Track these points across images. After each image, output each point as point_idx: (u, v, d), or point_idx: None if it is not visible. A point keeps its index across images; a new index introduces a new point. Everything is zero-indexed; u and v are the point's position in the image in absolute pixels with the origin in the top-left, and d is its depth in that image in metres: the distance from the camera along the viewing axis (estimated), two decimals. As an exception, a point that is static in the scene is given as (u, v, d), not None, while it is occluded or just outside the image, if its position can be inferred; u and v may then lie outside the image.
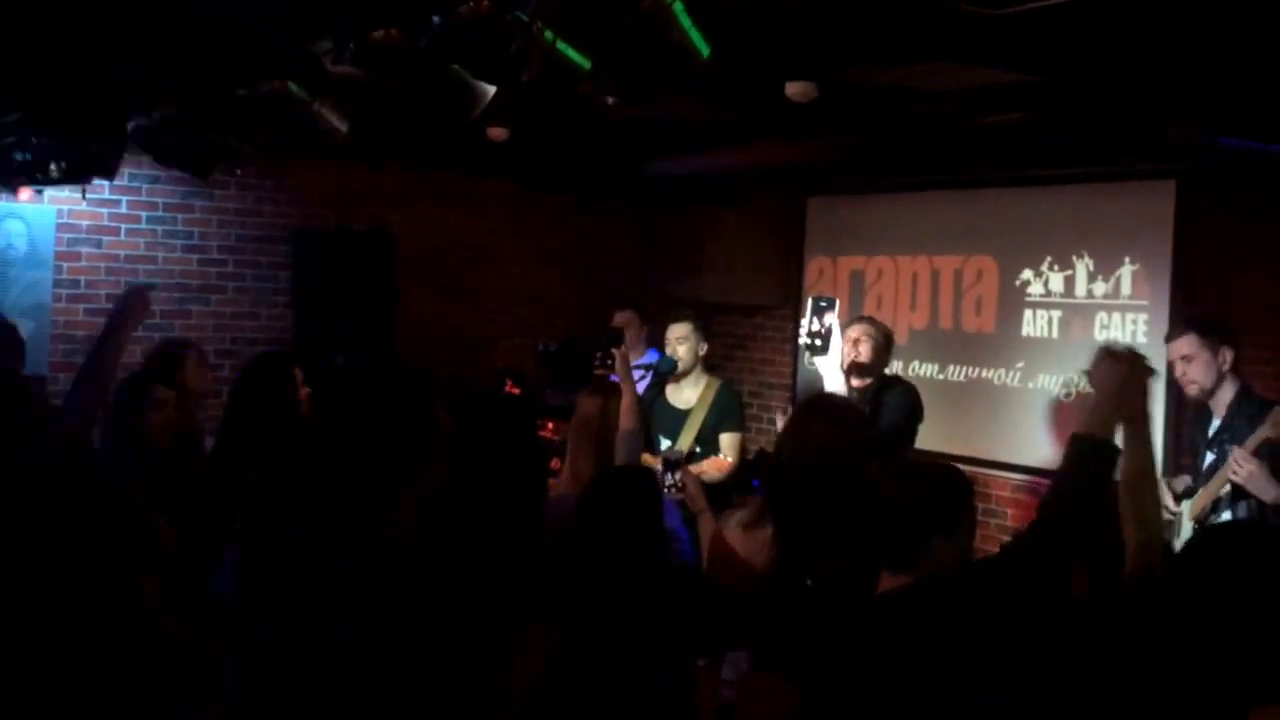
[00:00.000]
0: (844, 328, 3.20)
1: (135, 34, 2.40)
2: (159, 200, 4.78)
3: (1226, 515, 2.68)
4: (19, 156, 3.61)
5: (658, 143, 4.57)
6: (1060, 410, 4.29)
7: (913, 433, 3.30)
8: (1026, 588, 1.64)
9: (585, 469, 2.65)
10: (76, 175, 3.72)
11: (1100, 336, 4.17)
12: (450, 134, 4.06)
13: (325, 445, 2.12)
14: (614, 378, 3.06)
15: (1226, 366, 2.75)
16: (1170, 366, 2.93)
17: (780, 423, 3.09)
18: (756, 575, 2.06)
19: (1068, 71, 2.91)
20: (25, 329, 3.51)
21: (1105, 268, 4.15)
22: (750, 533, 2.11)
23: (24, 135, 3.41)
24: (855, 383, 3.15)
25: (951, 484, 1.75)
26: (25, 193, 4.35)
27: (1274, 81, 2.77)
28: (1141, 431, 1.73)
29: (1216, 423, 2.80)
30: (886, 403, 3.21)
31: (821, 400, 2.37)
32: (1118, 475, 1.73)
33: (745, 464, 3.72)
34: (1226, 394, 2.76)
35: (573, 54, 2.07)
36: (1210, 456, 2.82)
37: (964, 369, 4.62)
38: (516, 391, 3.75)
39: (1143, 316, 4.05)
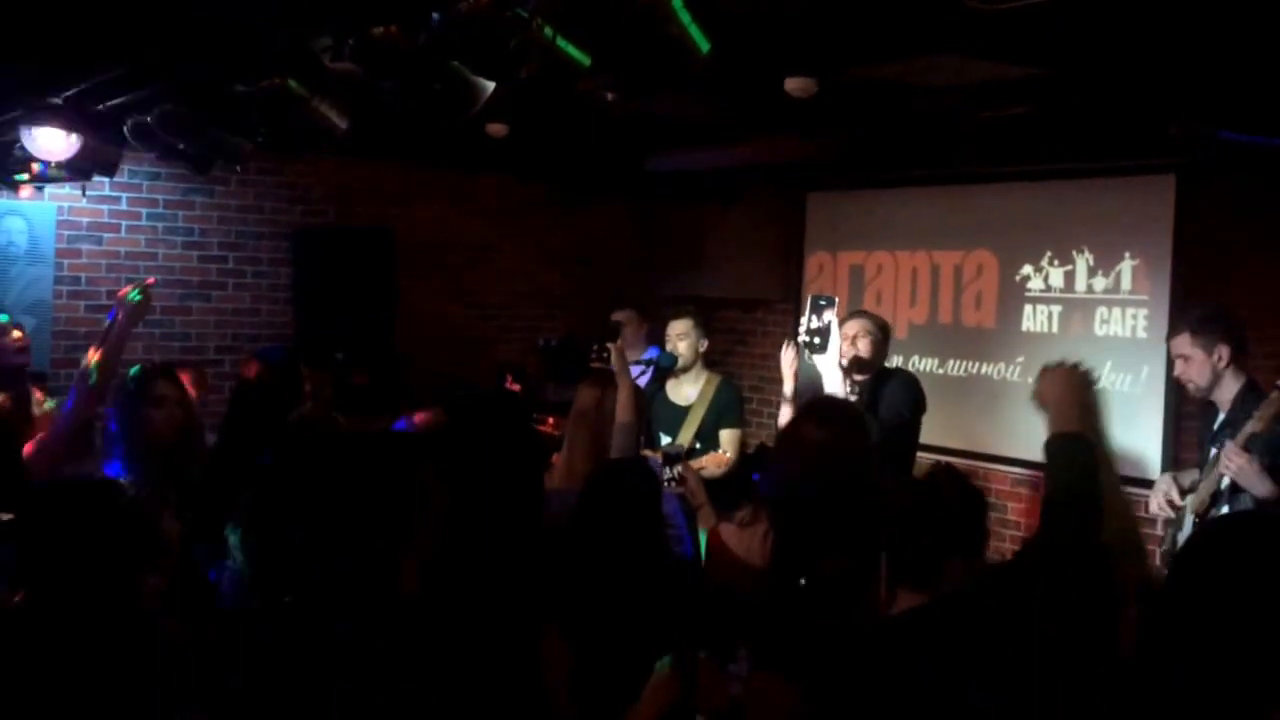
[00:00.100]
0: (840, 323, 3.20)
1: (135, 31, 2.40)
2: (159, 197, 4.78)
3: (1225, 509, 2.68)
4: (19, 152, 3.62)
5: (658, 139, 4.57)
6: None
7: (916, 424, 3.29)
8: (1038, 597, 1.63)
9: (580, 461, 2.66)
10: (77, 172, 3.73)
11: (1100, 331, 4.18)
12: (450, 131, 4.06)
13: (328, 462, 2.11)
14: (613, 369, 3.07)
15: (1223, 364, 2.74)
16: (1173, 364, 2.93)
17: (781, 418, 3.10)
18: (753, 573, 2.07)
19: (1067, 66, 2.91)
20: (27, 326, 3.51)
21: (1105, 263, 4.15)
22: (746, 530, 2.12)
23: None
24: (856, 377, 3.15)
25: (970, 502, 1.74)
26: (26, 189, 4.36)
27: (1274, 76, 2.76)
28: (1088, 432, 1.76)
29: (1222, 417, 2.80)
30: (885, 395, 3.21)
31: (821, 403, 2.37)
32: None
33: (745, 458, 3.73)
34: (1230, 389, 2.75)
35: (572, 50, 2.07)
36: (1214, 451, 2.82)
37: (964, 364, 4.62)
38: (517, 388, 3.75)
39: (1143, 311, 4.05)
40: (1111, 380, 4.13)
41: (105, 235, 4.69)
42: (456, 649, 1.70)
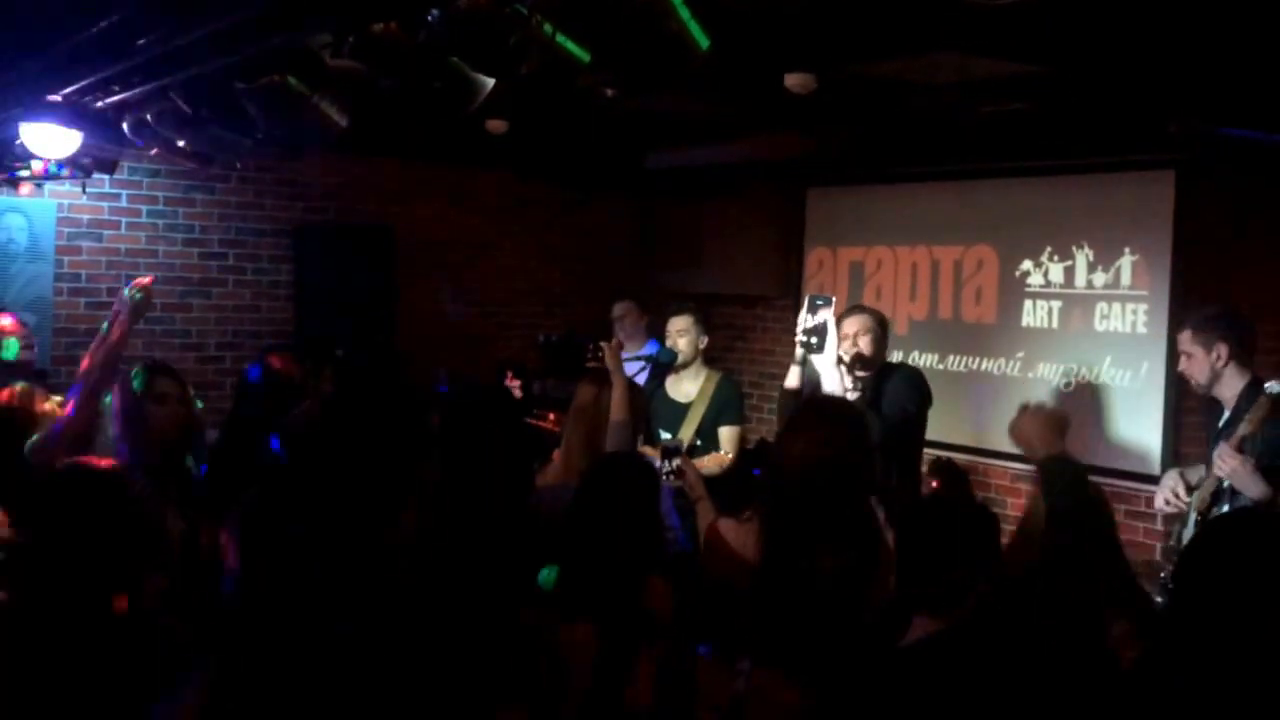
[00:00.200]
0: (839, 321, 3.20)
1: (134, 27, 2.39)
2: (159, 194, 4.78)
3: (1226, 508, 2.68)
4: (19, 149, 3.62)
5: (657, 135, 4.57)
6: (1060, 400, 4.30)
7: (921, 419, 3.28)
8: (1053, 623, 1.64)
9: (576, 457, 2.67)
10: (77, 169, 3.73)
11: (1100, 327, 4.18)
12: (450, 128, 4.06)
13: (328, 442, 2.12)
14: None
15: (1221, 363, 2.75)
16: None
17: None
18: (749, 569, 2.07)
19: (1067, 63, 2.91)
20: (28, 323, 3.51)
21: (1105, 258, 4.15)
22: (744, 525, 2.13)
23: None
24: (859, 374, 3.15)
25: (986, 528, 1.75)
26: (26, 187, 4.36)
27: (1273, 71, 2.76)
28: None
29: (1226, 415, 2.81)
30: (888, 390, 3.20)
31: (818, 402, 2.37)
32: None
33: (745, 454, 3.73)
34: (1234, 386, 2.75)
35: (572, 46, 2.07)
36: (1218, 446, 2.82)
37: (964, 359, 4.63)
38: (518, 383, 3.75)
39: (1142, 307, 4.06)
40: (1111, 376, 4.14)
41: (105, 232, 4.70)
42: (451, 644, 1.70)
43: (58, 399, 2.87)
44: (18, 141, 3.48)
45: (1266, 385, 2.57)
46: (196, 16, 2.27)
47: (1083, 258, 4.22)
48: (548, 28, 2.01)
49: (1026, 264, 4.41)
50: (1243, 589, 1.52)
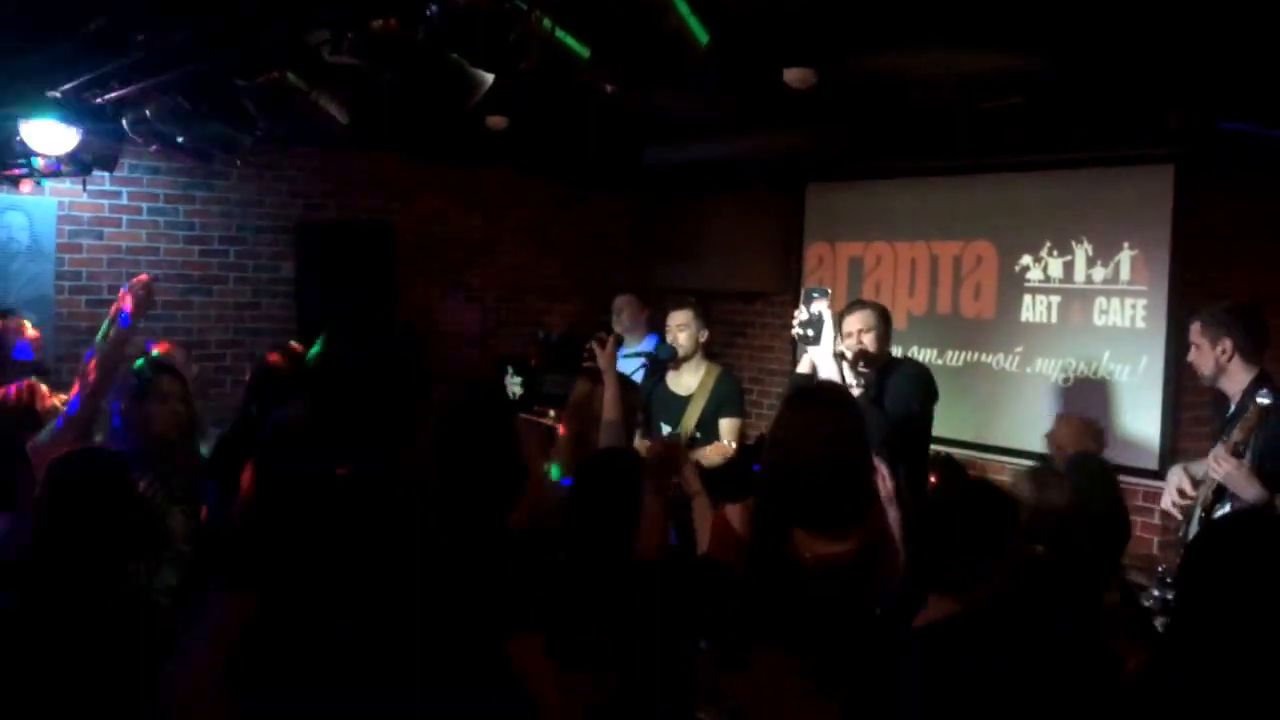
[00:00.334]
0: (840, 315, 3.19)
1: (133, 24, 2.40)
2: (160, 192, 4.78)
3: (1229, 506, 2.68)
4: (18, 147, 3.62)
5: (657, 131, 4.57)
6: (1059, 395, 4.31)
7: (927, 415, 3.26)
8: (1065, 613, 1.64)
9: (569, 454, 2.69)
10: (77, 166, 3.73)
11: (1099, 322, 4.18)
12: (450, 124, 4.06)
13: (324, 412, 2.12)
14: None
15: (1226, 357, 2.75)
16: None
17: None
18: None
19: (1066, 56, 2.91)
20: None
21: (1104, 253, 4.15)
22: (746, 509, 2.14)
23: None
24: (863, 370, 3.14)
25: (1000, 515, 1.74)
26: (26, 184, 4.36)
27: (1273, 66, 2.76)
28: None
29: (1231, 409, 2.82)
30: (890, 386, 3.19)
31: (809, 388, 2.38)
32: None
33: (745, 449, 3.74)
34: (1239, 381, 2.76)
35: (571, 42, 2.07)
36: (1222, 444, 2.82)
37: (963, 354, 4.63)
38: (518, 380, 3.76)
39: (1141, 302, 4.06)
40: (1110, 370, 4.14)
41: (106, 230, 4.70)
42: (448, 644, 1.70)
43: (61, 397, 2.87)
44: (18, 138, 3.48)
45: (1258, 396, 2.58)
46: (196, 13, 2.27)
47: (1082, 253, 4.22)
48: (547, 23, 2.01)
49: (1026, 259, 4.41)
50: (1244, 592, 1.53)
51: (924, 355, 4.69)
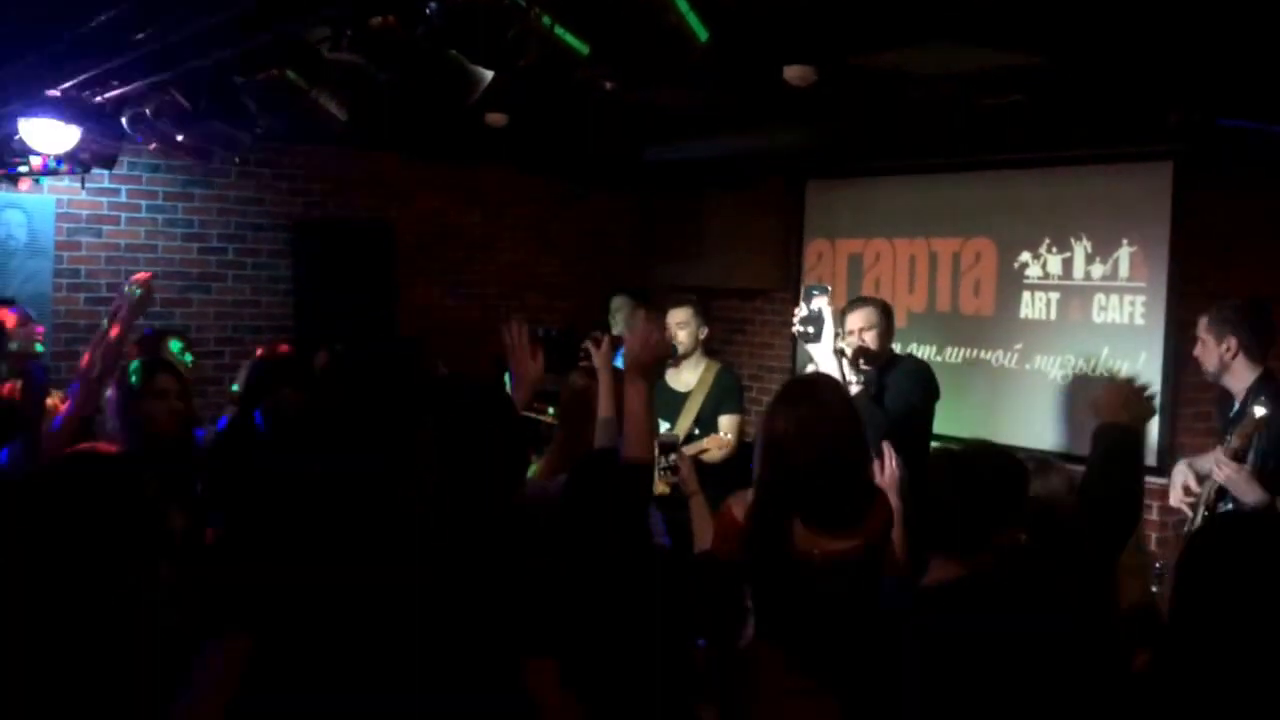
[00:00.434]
0: (842, 312, 3.19)
1: (132, 21, 2.39)
2: (159, 189, 4.78)
3: (1231, 505, 2.68)
4: (17, 145, 3.61)
5: (657, 128, 4.57)
6: (1058, 391, 4.31)
7: (928, 412, 3.26)
8: (1069, 587, 1.60)
9: (564, 451, 2.68)
10: (75, 164, 3.73)
11: (1098, 318, 4.18)
12: (449, 121, 4.06)
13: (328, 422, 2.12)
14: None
15: (1230, 355, 2.76)
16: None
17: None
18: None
19: (1066, 53, 2.91)
20: (28, 318, 3.52)
21: (1103, 250, 4.16)
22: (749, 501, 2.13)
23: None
24: (864, 367, 3.14)
25: (1009, 476, 1.70)
26: (25, 182, 4.36)
27: (1272, 63, 2.76)
28: None
29: (1236, 407, 2.82)
30: (890, 384, 3.19)
31: (800, 381, 2.38)
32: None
33: (745, 445, 3.75)
34: (1244, 378, 2.77)
35: (570, 39, 2.07)
36: (1226, 440, 2.83)
37: (962, 351, 4.63)
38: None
39: (1140, 298, 4.06)
40: (1109, 367, 4.15)
41: (105, 228, 4.70)
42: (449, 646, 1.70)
43: (59, 394, 2.87)
44: (16, 137, 3.48)
45: (1255, 405, 2.58)
46: (194, 10, 2.27)
47: (1081, 249, 4.22)
48: (546, 20, 2.01)
49: (1025, 256, 4.41)
50: (1242, 591, 1.54)
51: (923, 352, 4.69)
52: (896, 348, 3.42)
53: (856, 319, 3.21)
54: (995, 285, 4.53)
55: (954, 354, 4.66)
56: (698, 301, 3.92)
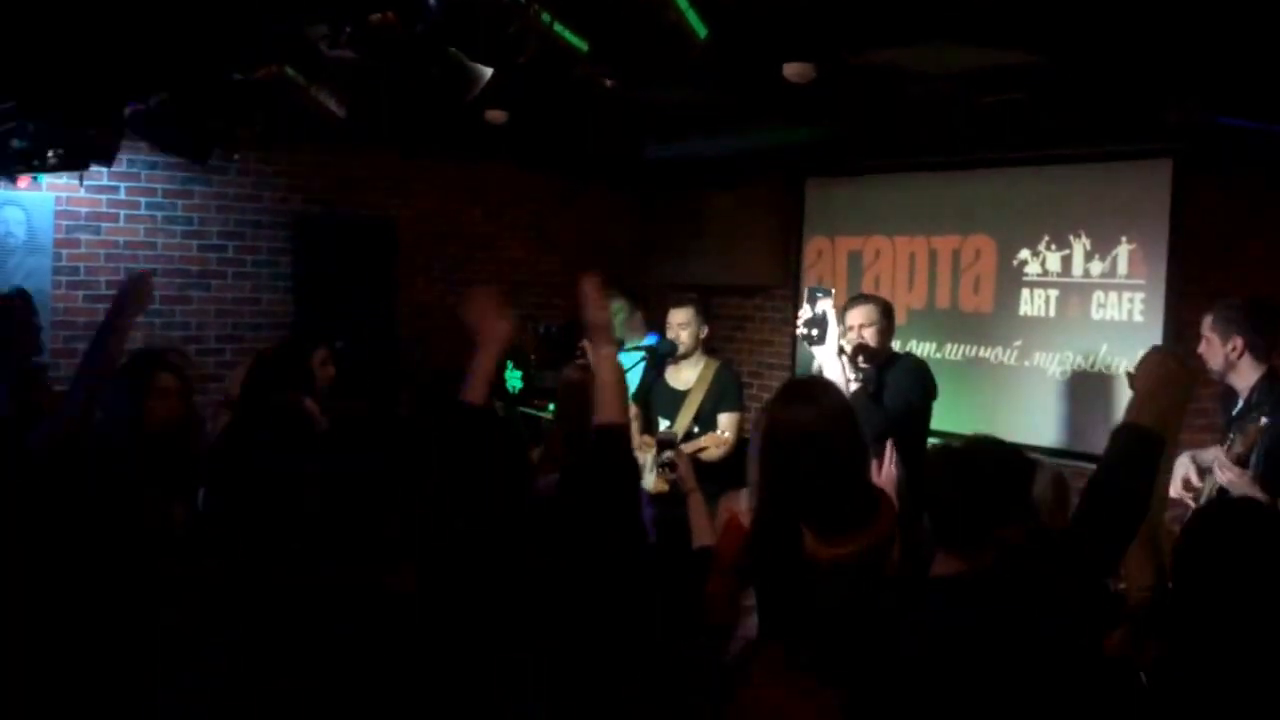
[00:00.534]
0: (843, 309, 3.19)
1: (130, 18, 2.39)
2: (158, 186, 4.77)
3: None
4: (16, 144, 3.61)
5: (656, 126, 4.57)
6: (1057, 388, 4.32)
7: (926, 411, 3.27)
8: (1069, 585, 1.57)
9: (560, 448, 2.68)
10: (74, 162, 3.72)
11: (1097, 316, 4.19)
12: (449, 118, 4.05)
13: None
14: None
15: (1236, 354, 2.77)
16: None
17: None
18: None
19: (1065, 51, 2.91)
20: (27, 316, 3.52)
21: (1102, 247, 4.16)
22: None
23: (20, 123, 3.40)
24: (863, 364, 3.15)
25: (1012, 471, 1.68)
26: (23, 180, 4.35)
27: (1271, 61, 2.76)
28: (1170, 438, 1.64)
29: (1240, 405, 2.83)
30: (890, 382, 3.19)
31: (796, 383, 2.38)
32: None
33: (744, 443, 3.75)
34: (1249, 377, 2.77)
35: (570, 36, 2.07)
36: (1231, 436, 2.83)
37: (961, 348, 4.64)
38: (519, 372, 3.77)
39: (1139, 295, 4.07)
40: (1107, 364, 4.15)
41: (104, 225, 4.69)
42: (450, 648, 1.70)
43: (60, 391, 2.87)
44: (14, 135, 3.47)
45: (1260, 417, 2.58)
46: (194, 7, 2.27)
47: (1080, 247, 4.23)
48: (545, 17, 2.01)
49: (1024, 253, 4.41)
50: (1234, 575, 1.54)
51: (923, 349, 4.70)
52: (896, 345, 3.42)
53: (856, 315, 3.22)
54: (995, 282, 4.53)
55: (953, 351, 4.66)
56: (698, 301, 3.92)
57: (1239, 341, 2.76)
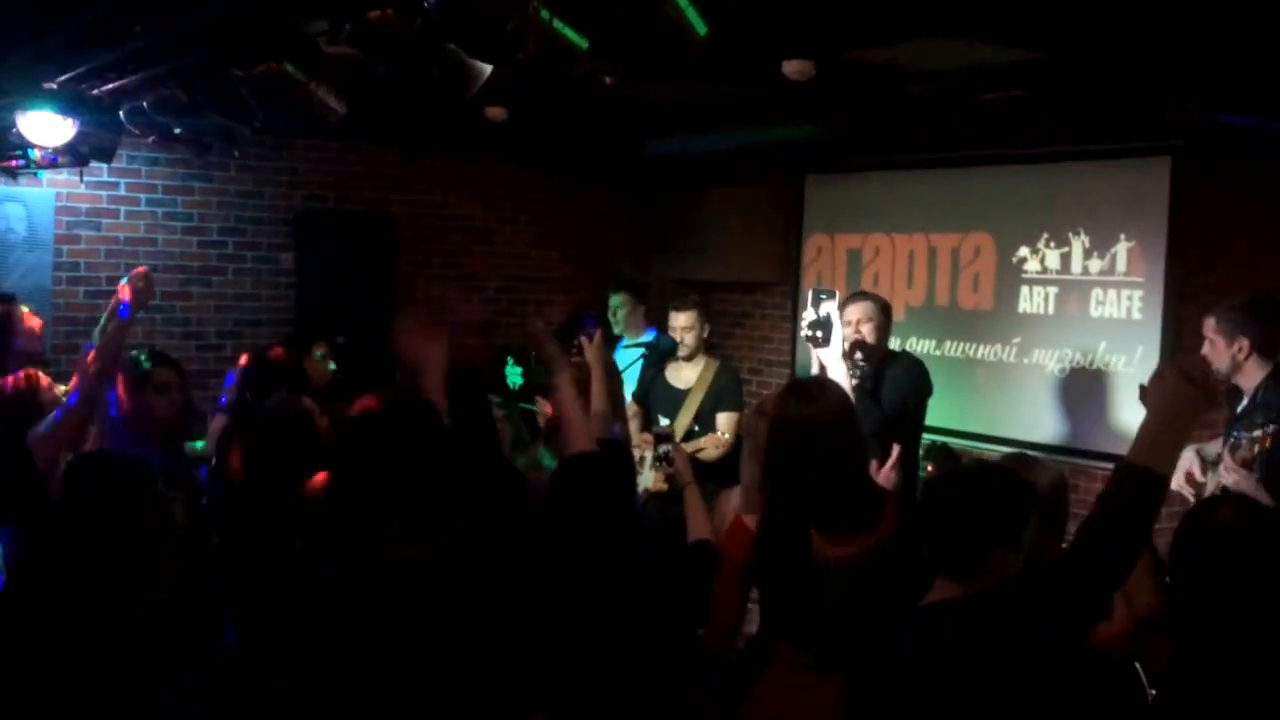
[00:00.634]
0: (840, 305, 3.20)
1: (129, 15, 2.39)
2: (158, 183, 4.77)
3: None
4: (15, 138, 3.61)
5: (656, 122, 4.57)
6: (1055, 385, 4.32)
7: (920, 410, 3.30)
8: (1056, 621, 1.55)
9: (554, 442, 2.69)
10: (74, 157, 3.72)
11: (1096, 313, 4.19)
12: (449, 115, 4.05)
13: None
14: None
15: (1242, 355, 2.77)
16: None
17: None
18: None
19: (1064, 48, 2.91)
20: (27, 312, 3.52)
21: (1101, 244, 4.16)
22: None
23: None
24: (859, 359, 3.16)
25: (1016, 492, 1.67)
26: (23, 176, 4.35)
27: (1270, 58, 2.77)
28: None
29: (1244, 404, 2.84)
30: (888, 380, 3.22)
31: (800, 383, 2.39)
32: None
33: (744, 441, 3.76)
34: (1254, 377, 2.78)
35: (570, 33, 2.07)
36: (1235, 435, 2.84)
37: (961, 345, 4.65)
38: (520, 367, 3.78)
39: (1138, 293, 4.07)
40: (1106, 361, 4.16)
41: (104, 221, 4.69)
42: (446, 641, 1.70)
43: (61, 388, 2.88)
44: (14, 130, 3.48)
45: (1268, 424, 2.58)
46: (192, 2, 2.27)
47: (1079, 244, 4.23)
48: (545, 14, 2.01)
49: (1023, 250, 4.42)
50: (1229, 572, 1.55)
51: (922, 346, 4.71)
52: (896, 342, 3.44)
53: (854, 311, 3.23)
54: (994, 280, 4.54)
55: (953, 348, 4.67)
56: (700, 303, 3.94)
57: (1245, 342, 2.77)
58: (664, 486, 3.47)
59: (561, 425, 2.10)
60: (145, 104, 2.92)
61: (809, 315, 2.84)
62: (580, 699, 1.89)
